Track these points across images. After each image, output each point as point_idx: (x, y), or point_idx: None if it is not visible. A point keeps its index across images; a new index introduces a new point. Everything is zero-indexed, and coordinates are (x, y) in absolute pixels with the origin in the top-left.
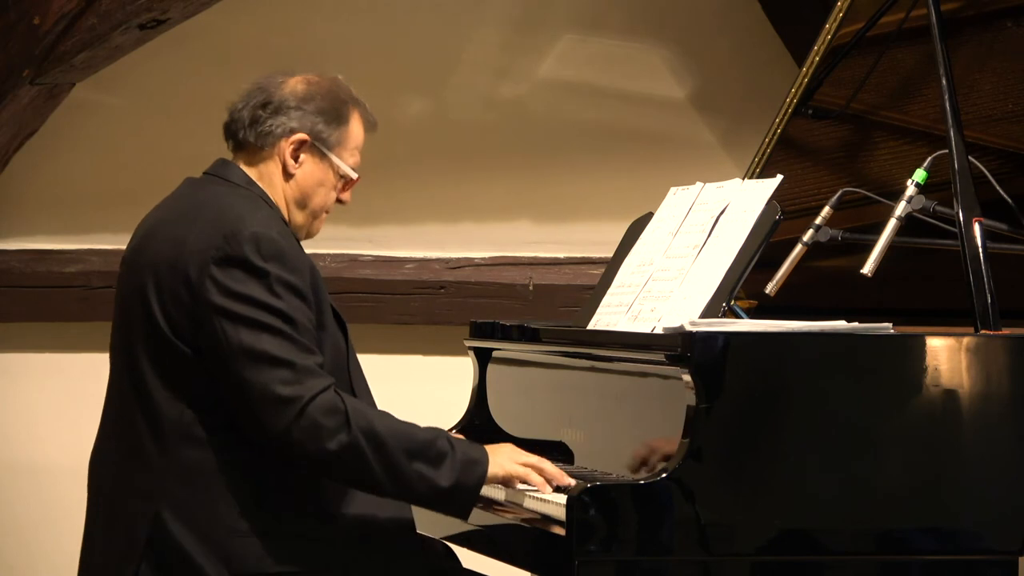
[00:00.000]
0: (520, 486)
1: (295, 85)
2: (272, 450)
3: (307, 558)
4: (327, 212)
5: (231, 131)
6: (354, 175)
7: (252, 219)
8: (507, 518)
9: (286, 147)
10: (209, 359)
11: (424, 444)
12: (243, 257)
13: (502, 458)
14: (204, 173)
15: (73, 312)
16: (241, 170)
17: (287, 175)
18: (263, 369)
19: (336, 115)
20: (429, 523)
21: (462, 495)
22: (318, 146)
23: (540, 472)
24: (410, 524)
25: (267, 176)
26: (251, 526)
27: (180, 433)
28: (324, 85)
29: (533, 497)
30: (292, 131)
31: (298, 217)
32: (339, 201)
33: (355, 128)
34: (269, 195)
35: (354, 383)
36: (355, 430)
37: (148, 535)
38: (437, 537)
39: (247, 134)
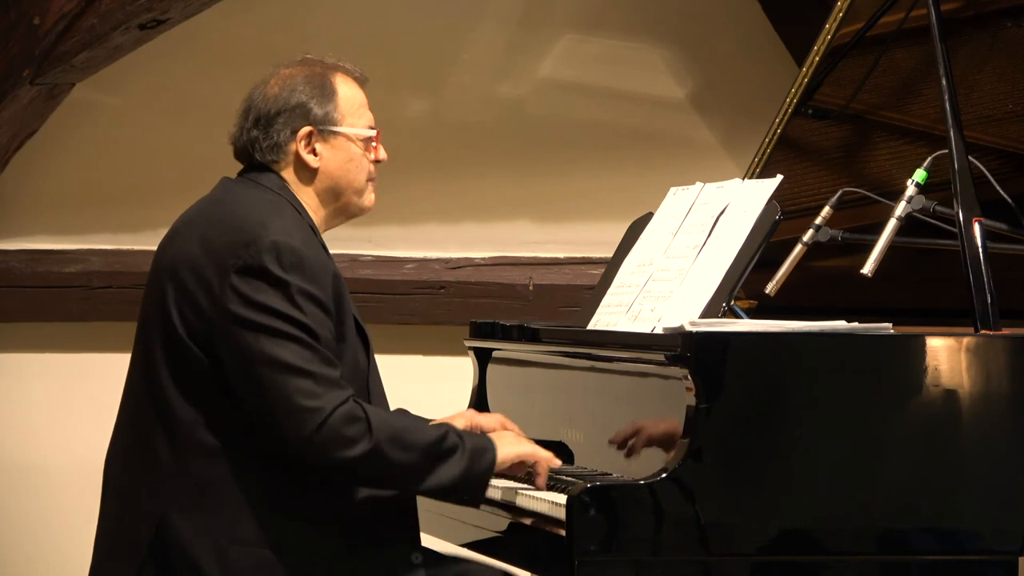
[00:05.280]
0: (517, 485)
1: (271, 89)
2: (281, 459)
3: (311, 569)
4: (372, 180)
5: (245, 158)
6: (372, 132)
7: (274, 227)
8: (507, 519)
9: (298, 148)
10: (229, 368)
11: (437, 440)
12: (263, 267)
13: (505, 443)
14: (239, 174)
15: (73, 312)
16: (274, 174)
17: (311, 172)
18: (285, 379)
19: (323, 91)
20: (429, 526)
21: (474, 483)
22: (325, 129)
23: (536, 458)
24: (416, 535)
25: (294, 181)
26: (256, 535)
27: (191, 437)
28: (297, 72)
29: (533, 497)
30: (294, 131)
31: (344, 202)
32: (376, 162)
33: (347, 91)
34: (301, 199)
35: (372, 398)
36: (376, 436)
37: (154, 537)
38: (439, 539)
39: (256, 156)
